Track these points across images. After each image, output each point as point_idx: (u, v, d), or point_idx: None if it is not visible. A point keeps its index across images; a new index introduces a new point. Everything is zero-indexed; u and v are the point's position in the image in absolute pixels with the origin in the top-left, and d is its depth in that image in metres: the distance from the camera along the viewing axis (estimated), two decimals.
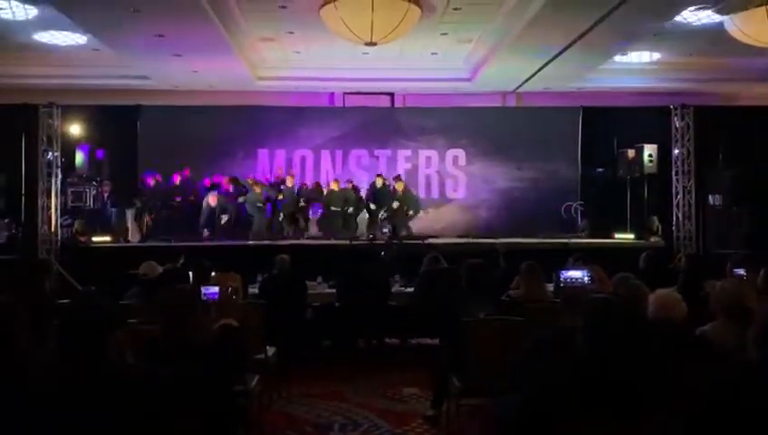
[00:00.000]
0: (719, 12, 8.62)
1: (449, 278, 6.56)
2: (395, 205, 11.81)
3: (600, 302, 2.93)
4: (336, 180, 12.25)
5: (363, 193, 12.34)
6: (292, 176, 12.38)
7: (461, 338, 4.67)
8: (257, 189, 11.82)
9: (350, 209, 11.99)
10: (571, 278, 3.86)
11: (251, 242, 10.99)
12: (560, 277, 5.09)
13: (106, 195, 11.65)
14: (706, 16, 9.33)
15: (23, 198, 11.39)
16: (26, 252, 10.49)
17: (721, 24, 8.69)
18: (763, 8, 7.62)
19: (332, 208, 11.89)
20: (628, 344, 2.82)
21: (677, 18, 9.40)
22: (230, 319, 4.00)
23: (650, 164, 11.38)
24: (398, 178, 12.17)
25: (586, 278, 3.77)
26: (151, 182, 12.06)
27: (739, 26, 8.05)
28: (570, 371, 2.84)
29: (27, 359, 2.81)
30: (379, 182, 12.16)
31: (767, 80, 12.71)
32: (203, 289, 5.54)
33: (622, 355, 2.78)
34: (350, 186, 12.28)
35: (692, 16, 9.56)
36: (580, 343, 2.88)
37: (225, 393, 3.47)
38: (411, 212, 12.05)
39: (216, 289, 5.64)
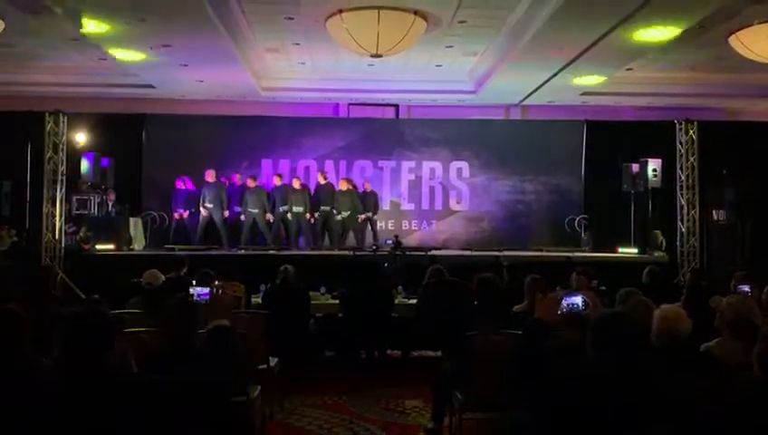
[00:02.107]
0: None
1: (452, 291, 6.56)
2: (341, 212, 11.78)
3: (607, 317, 2.92)
4: (297, 178, 12.27)
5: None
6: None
7: (467, 352, 4.65)
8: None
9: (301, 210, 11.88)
10: (571, 304, 4.05)
11: (253, 250, 10.97)
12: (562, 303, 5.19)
13: (111, 203, 11.67)
14: None
15: (27, 205, 11.43)
16: (30, 259, 10.51)
17: None
18: None
19: (294, 209, 11.83)
20: (631, 359, 2.81)
21: None
22: (221, 320, 3.99)
23: (654, 178, 11.34)
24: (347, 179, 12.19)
25: (580, 304, 3.94)
26: (181, 186, 12.00)
27: (744, 43, 8.07)
28: (572, 383, 2.83)
29: (30, 366, 2.81)
30: (321, 180, 12.17)
31: None
32: (194, 290, 5.53)
33: (626, 370, 2.77)
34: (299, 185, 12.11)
35: None
36: (588, 356, 2.87)
37: (225, 401, 3.46)
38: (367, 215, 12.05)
39: (206, 290, 5.64)
